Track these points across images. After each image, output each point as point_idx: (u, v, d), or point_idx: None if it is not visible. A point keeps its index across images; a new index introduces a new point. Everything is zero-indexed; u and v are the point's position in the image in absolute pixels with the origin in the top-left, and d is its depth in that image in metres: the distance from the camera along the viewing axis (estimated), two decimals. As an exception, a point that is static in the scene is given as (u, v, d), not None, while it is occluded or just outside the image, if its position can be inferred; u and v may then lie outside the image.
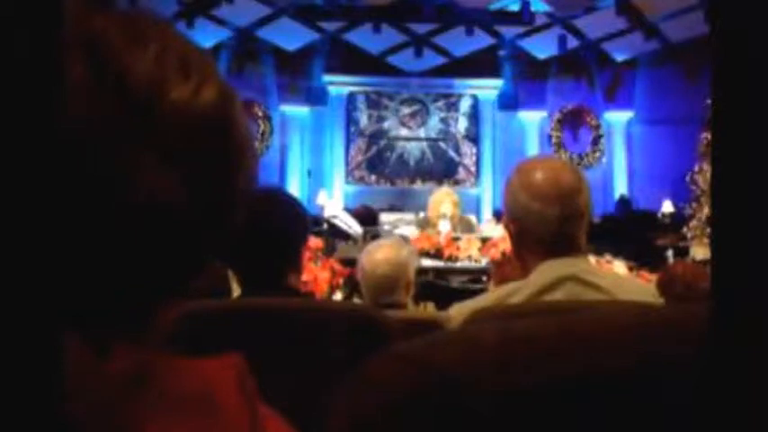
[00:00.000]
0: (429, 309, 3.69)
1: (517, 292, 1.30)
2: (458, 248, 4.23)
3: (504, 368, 0.35)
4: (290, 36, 8.52)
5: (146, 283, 0.42)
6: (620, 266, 4.15)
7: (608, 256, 4.54)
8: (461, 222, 4.62)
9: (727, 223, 0.35)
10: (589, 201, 1.36)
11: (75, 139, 0.37)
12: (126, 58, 0.40)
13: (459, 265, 4.25)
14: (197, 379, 0.41)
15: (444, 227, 4.32)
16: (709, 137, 5.34)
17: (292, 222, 1.34)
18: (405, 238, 3.88)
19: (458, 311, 1.33)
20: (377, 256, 2.23)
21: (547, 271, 1.30)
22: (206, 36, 8.24)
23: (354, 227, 5.02)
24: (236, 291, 1.35)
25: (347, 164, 9.06)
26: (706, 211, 6.35)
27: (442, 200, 4.48)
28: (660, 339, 0.38)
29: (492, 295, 1.34)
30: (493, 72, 9.09)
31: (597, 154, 9.23)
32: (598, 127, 9.23)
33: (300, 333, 1.20)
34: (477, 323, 1.18)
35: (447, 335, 0.43)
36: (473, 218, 5.06)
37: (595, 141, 9.25)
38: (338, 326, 1.19)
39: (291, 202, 1.39)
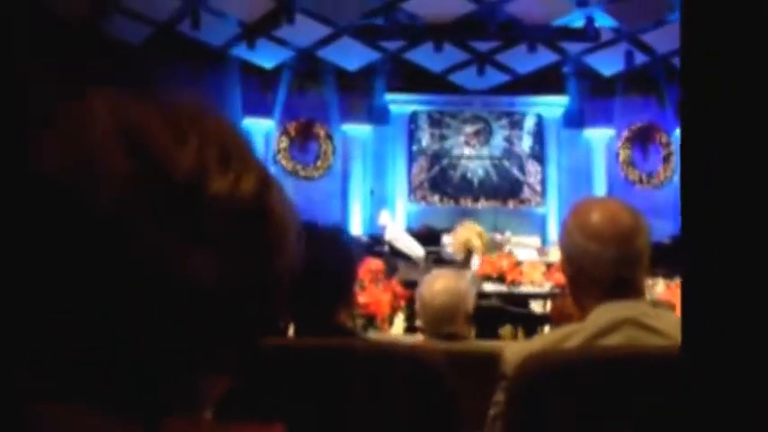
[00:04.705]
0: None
1: (573, 335, 1.28)
2: (521, 273, 4.17)
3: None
4: (351, 56, 8.61)
5: (182, 358, 0.43)
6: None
7: (678, 280, 4.37)
8: (487, 246, 4.63)
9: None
10: (648, 242, 1.33)
11: (112, 222, 0.40)
12: (169, 152, 0.42)
13: (522, 289, 4.19)
14: None
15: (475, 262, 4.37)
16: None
17: (341, 261, 1.35)
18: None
19: (511, 353, 1.31)
20: (436, 286, 2.23)
21: (604, 314, 1.27)
22: (267, 56, 8.44)
23: (416, 249, 5.01)
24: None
25: (409, 183, 9.08)
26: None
27: (469, 237, 4.50)
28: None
29: (547, 338, 1.33)
30: (558, 89, 8.94)
31: (668, 173, 8.92)
32: (669, 145, 8.92)
33: (359, 376, 1.20)
34: (531, 367, 1.16)
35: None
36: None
37: (666, 160, 8.95)
38: (398, 373, 1.19)
39: (338, 239, 1.40)
